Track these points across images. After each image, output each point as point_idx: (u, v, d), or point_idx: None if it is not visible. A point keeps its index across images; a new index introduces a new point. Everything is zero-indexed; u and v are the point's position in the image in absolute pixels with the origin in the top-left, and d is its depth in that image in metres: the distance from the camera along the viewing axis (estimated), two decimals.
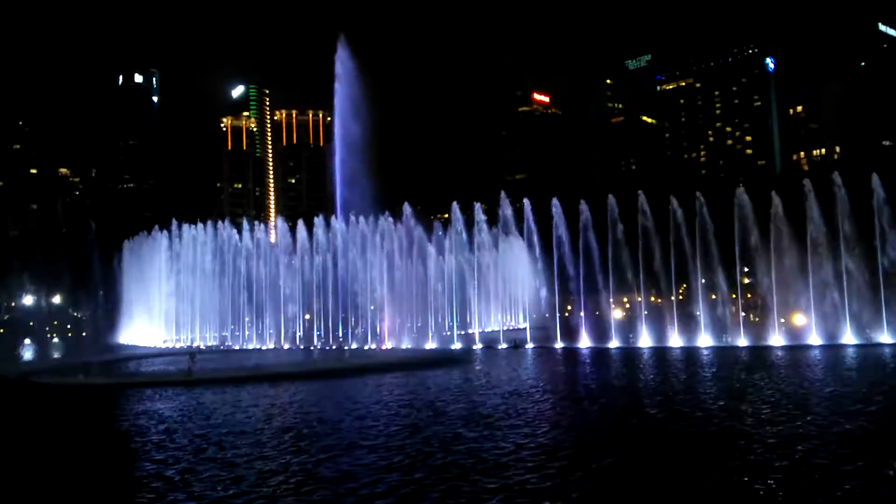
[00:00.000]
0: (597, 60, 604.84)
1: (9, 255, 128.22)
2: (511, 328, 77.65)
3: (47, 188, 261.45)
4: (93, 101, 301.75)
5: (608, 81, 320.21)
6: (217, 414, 24.80)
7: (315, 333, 76.69)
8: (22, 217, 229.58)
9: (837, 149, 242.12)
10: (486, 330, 74.06)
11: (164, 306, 78.82)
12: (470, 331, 72.18)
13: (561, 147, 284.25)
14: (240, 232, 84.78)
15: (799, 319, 58.00)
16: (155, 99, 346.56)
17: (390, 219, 74.56)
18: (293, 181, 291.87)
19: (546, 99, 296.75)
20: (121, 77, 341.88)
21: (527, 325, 76.09)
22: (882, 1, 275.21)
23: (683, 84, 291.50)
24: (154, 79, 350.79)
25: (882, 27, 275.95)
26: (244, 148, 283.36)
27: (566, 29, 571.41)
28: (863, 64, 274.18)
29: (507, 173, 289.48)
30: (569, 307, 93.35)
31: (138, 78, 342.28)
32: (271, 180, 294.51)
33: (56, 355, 66.45)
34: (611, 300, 72.25)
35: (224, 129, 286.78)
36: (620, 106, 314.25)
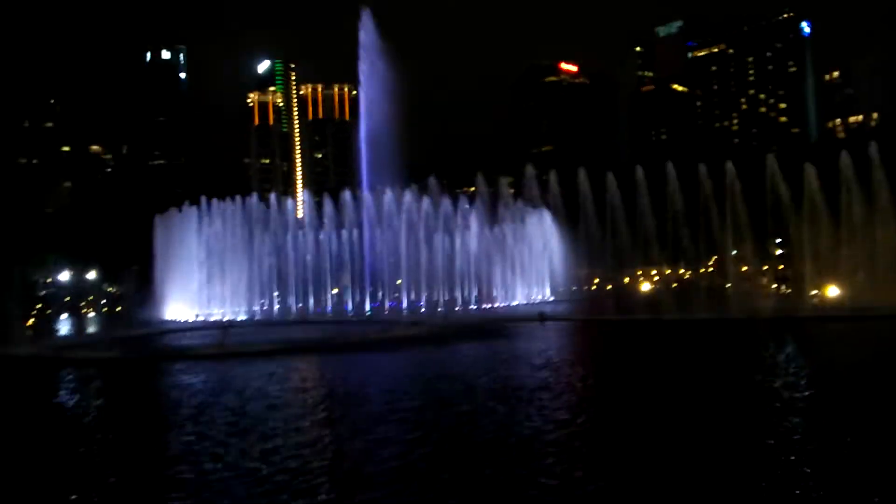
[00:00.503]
0: (626, 28, 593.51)
1: (45, 232, 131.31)
2: (539, 301, 77.47)
3: (80, 165, 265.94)
4: (122, 79, 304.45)
5: (638, 49, 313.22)
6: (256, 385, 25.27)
7: (345, 307, 77.45)
8: (57, 194, 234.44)
9: (875, 115, 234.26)
10: (513, 304, 74.03)
11: (196, 281, 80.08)
12: (495, 304, 72.29)
13: (589, 118, 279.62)
14: (268, 206, 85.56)
15: (832, 291, 56.79)
16: (182, 75, 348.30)
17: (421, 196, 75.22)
18: (320, 156, 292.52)
19: (574, 69, 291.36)
20: (149, 54, 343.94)
21: (552, 297, 75.96)
22: None
23: (716, 50, 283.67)
24: (181, 55, 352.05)
25: None
26: (271, 123, 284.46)
27: None
28: None
29: (533, 145, 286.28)
30: (596, 280, 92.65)
31: (166, 55, 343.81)
32: (298, 155, 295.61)
33: (91, 330, 68.15)
34: (639, 273, 71.51)
35: (251, 104, 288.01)
36: (650, 74, 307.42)
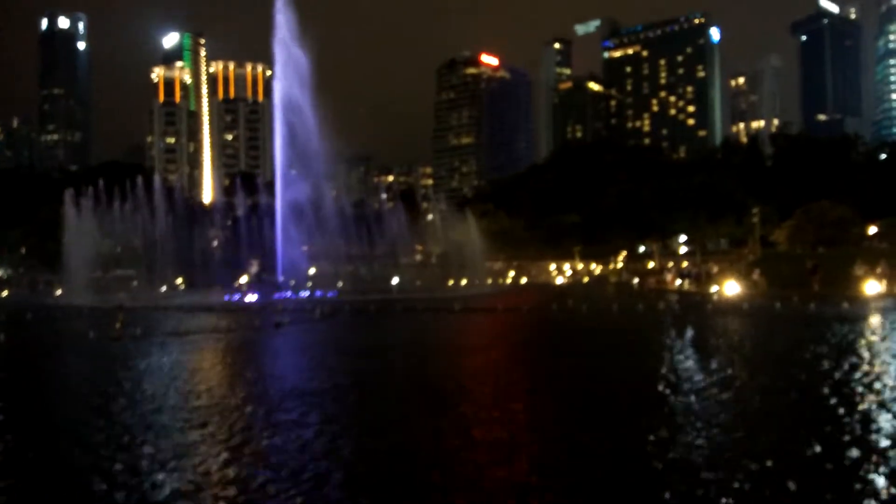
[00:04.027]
0: (546, 25, 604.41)
1: None
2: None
3: None
4: (14, 47, 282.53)
5: (557, 46, 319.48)
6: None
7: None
8: None
9: (775, 121, 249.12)
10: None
11: (93, 265, 75.31)
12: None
13: (508, 111, 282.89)
14: (172, 187, 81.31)
15: (731, 287, 59.01)
16: (82, 46, 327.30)
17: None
18: (230, 138, 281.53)
19: (495, 62, 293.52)
20: (45, 21, 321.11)
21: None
22: None
23: (630, 52, 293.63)
24: (81, 24, 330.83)
25: (822, 2, 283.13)
26: (177, 101, 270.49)
27: None
28: (804, 38, 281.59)
29: (454, 136, 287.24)
30: (511, 273, 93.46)
31: (63, 23, 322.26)
32: (206, 136, 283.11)
33: None
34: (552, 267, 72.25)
35: (156, 80, 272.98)
36: (568, 72, 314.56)
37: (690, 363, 24.70)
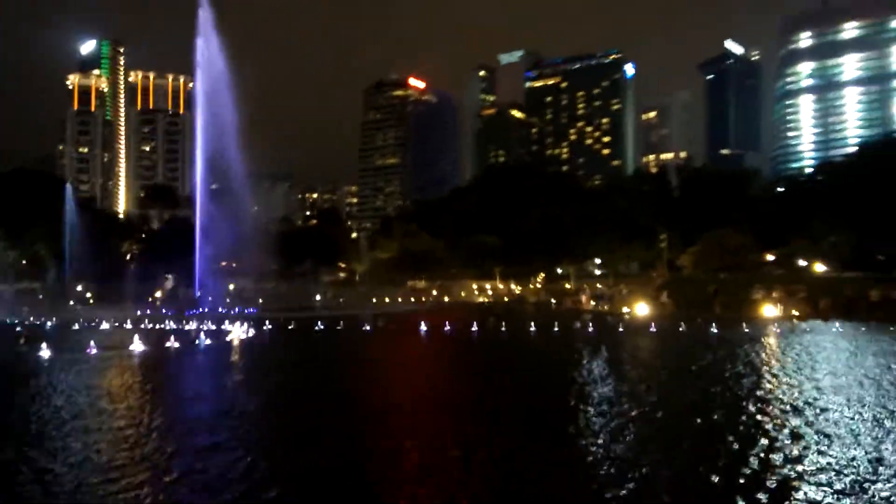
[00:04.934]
0: (472, 52, 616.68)
1: None
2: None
3: None
4: None
5: (482, 74, 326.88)
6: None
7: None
8: None
9: (683, 154, 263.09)
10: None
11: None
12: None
13: (433, 134, 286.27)
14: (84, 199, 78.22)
15: (640, 309, 62.29)
16: None
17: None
18: (148, 149, 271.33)
19: (422, 85, 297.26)
20: None
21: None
22: (730, 20, 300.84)
23: (551, 82, 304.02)
24: None
25: (728, 44, 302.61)
26: (93, 109, 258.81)
27: (445, 16, 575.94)
28: (710, 77, 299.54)
29: (379, 156, 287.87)
30: (434, 292, 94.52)
31: None
32: (122, 146, 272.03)
33: None
34: (474, 287, 73.90)
35: (70, 87, 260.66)
36: (492, 98, 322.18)
37: (597, 378, 26.41)
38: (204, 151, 76.32)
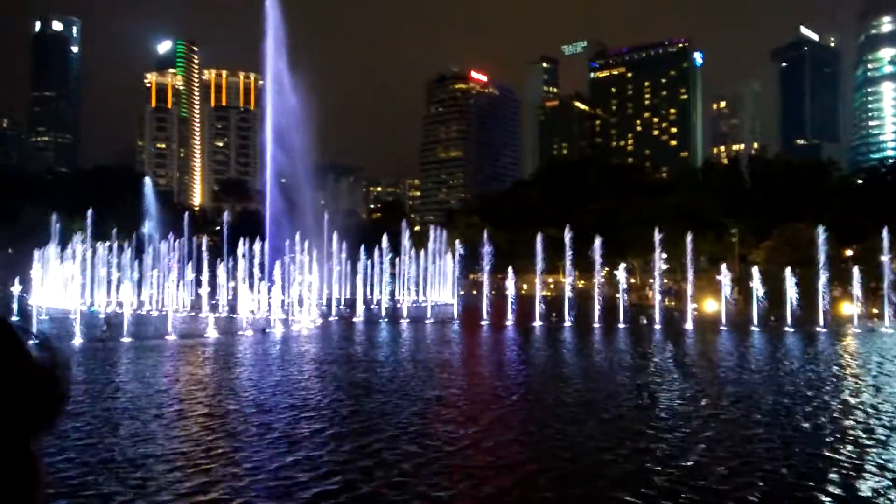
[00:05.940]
0: (534, 44, 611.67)
1: None
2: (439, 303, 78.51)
3: None
4: (7, 49, 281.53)
5: (545, 65, 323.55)
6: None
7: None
8: None
9: (755, 145, 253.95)
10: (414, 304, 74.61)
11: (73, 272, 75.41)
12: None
13: (496, 127, 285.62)
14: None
15: (709, 305, 61.12)
16: (75, 49, 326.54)
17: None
18: (221, 144, 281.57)
19: (484, 78, 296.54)
20: (38, 24, 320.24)
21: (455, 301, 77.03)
22: (805, 5, 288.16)
23: (616, 73, 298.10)
24: (74, 28, 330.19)
25: (803, 30, 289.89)
26: (169, 107, 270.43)
27: (507, 9, 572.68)
28: (784, 64, 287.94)
29: (442, 149, 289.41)
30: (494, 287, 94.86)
31: (57, 26, 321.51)
32: (197, 142, 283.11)
33: None
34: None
35: (148, 85, 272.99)
36: (555, 90, 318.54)
37: (660, 378, 26.34)
38: (273, 146, 79.13)
